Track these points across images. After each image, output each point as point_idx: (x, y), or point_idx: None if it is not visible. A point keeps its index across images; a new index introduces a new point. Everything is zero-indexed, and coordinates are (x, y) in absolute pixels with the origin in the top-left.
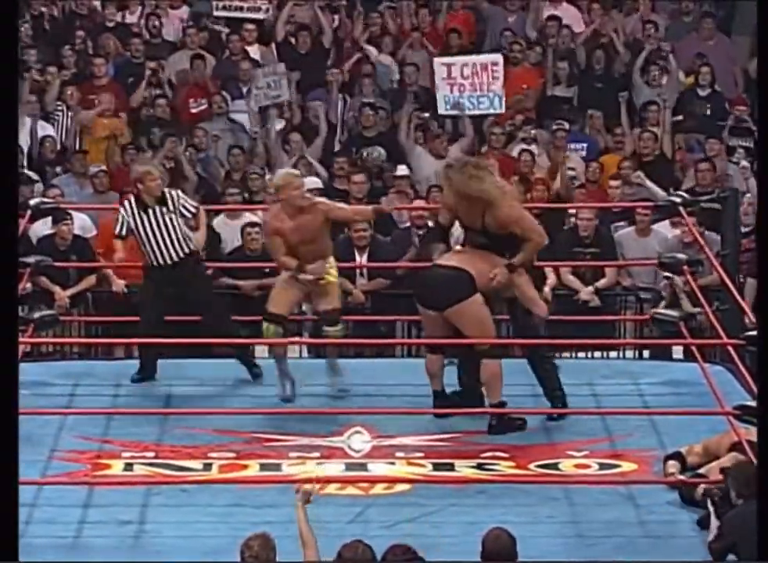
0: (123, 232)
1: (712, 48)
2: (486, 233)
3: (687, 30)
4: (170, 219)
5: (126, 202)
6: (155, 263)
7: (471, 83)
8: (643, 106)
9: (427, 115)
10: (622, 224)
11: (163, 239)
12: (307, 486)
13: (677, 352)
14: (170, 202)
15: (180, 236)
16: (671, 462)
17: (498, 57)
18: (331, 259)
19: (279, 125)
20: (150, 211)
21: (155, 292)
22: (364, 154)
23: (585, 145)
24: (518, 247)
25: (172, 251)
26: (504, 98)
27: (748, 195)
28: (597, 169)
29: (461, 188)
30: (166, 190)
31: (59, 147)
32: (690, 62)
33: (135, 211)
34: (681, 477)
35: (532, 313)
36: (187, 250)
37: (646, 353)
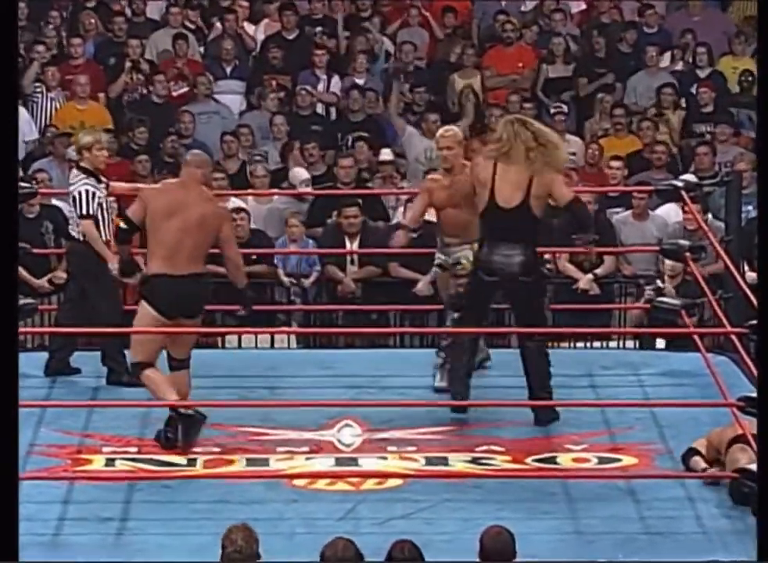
0: (92, 210)
1: (700, 24)
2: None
3: (676, 7)
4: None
5: (81, 176)
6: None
7: None
8: (658, 89)
9: (422, 90)
10: (619, 210)
11: (109, 216)
12: None
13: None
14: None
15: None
16: (696, 458)
17: None
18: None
19: None
20: (101, 184)
21: (111, 278)
22: None
23: None
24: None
25: (109, 230)
26: None
27: None
28: (597, 151)
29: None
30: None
31: (39, 129)
32: (677, 40)
33: (96, 184)
34: (713, 470)
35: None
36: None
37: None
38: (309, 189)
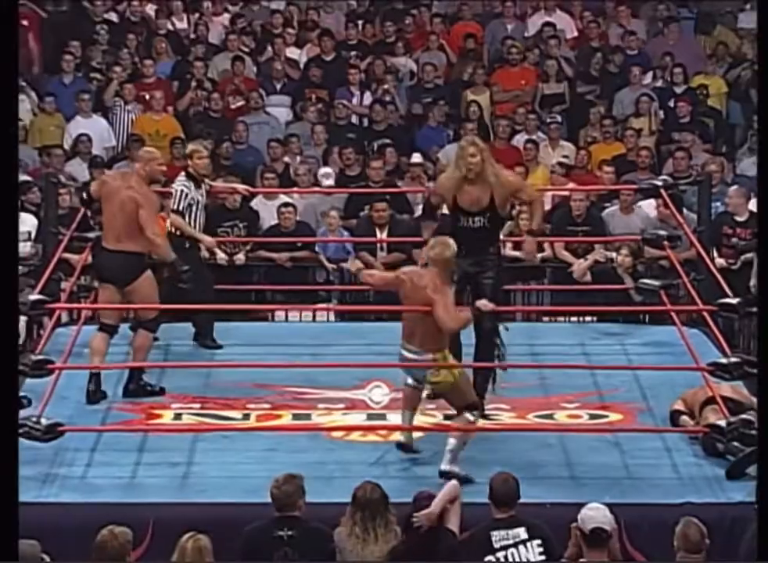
0: (182, 207)
1: (676, 48)
2: (485, 213)
3: (655, 32)
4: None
5: (183, 178)
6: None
7: None
8: (637, 99)
9: (441, 104)
10: (607, 205)
11: (202, 216)
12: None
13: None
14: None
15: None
16: (683, 417)
17: None
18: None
19: None
20: (200, 188)
21: (201, 261)
22: None
23: None
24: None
25: (195, 225)
26: None
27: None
28: (585, 156)
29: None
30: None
31: (117, 137)
32: (657, 61)
33: (193, 187)
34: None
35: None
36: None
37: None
38: (331, 181)
